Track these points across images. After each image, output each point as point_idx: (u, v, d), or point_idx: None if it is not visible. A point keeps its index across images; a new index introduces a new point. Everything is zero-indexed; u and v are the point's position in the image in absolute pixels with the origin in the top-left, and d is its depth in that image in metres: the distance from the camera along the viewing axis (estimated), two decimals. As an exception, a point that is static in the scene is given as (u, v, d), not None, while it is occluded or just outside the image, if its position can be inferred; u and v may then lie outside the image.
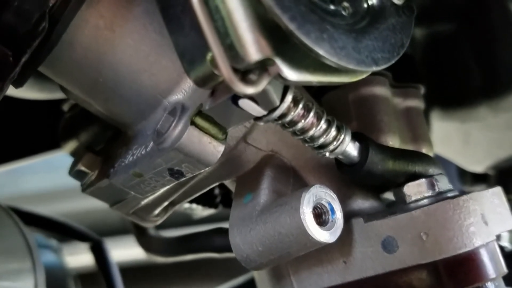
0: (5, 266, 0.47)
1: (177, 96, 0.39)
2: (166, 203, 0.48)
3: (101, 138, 0.53)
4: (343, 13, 0.31)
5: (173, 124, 0.35)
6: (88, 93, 0.42)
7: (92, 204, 0.59)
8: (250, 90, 0.27)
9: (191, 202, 0.60)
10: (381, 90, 0.48)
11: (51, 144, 0.67)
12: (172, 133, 0.35)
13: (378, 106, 0.47)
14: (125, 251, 1.13)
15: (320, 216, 0.37)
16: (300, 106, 0.34)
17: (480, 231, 0.36)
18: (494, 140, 0.58)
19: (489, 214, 0.38)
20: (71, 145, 0.56)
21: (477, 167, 0.66)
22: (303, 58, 0.28)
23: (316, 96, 0.48)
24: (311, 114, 0.34)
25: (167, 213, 0.50)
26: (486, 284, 0.36)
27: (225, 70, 0.27)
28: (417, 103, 0.51)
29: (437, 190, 0.38)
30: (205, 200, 0.60)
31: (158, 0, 0.31)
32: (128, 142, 0.44)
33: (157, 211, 0.49)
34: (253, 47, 0.27)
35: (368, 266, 0.38)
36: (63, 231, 0.79)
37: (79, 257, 0.88)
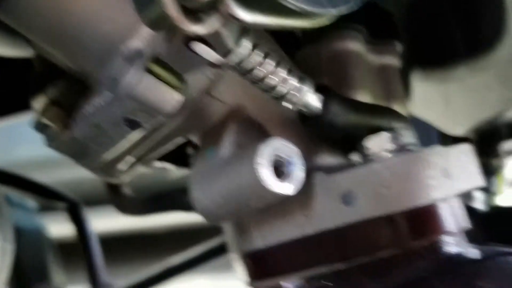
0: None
1: (136, 43, 0.37)
2: (131, 158, 0.47)
3: (69, 93, 0.52)
4: None
5: (129, 72, 0.34)
6: (49, 42, 0.41)
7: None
8: (199, 29, 0.26)
9: (163, 162, 0.60)
10: (355, 46, 0.46)
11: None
12: (127, 81, 0.34)
13: (350, 61, 0.45)
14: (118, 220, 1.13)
15: (279, 169, 0.36)
16: (259, 52, 0.32)
17: (440, 185, 0.36)
18: (473, 101, 0.57)
19: (453, 170, 0.37)
20: (40, 101, 0.55)
21: (458, 130, 0.66)
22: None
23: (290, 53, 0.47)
24: (271, 61, 0.33)
25: (133, 169, 0.49)
26: (446, 237, 0.36)
27: (171, 8, 0.25)
28: (393, 61, 0.50)
29: (399, 144, 0.37)
30: (178, 159, 0.60)
31: None
32: (89, 93, 0.43)
33: (124, 166, 0.48)
34: None
35: (328, 218, 0.38)
36: (39, 192, 0.79)
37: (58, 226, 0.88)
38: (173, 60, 0.33)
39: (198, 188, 0.39)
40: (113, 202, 0.66)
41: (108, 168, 0.48)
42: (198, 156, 0.42)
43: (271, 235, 0.41)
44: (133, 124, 0.37)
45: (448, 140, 0.70)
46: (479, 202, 0.62)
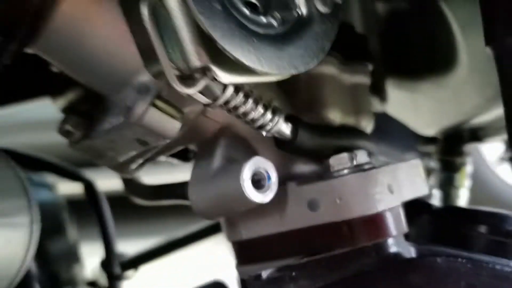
0: (2, 205, 0.51)
1: (144, 77, 0.46)
2: (141, 160, 0.57)
3: (86, 100, 0.60)
4: (274, 23, 0.38)
5: (139, 103, 0.43)
6: (67, 69, 0.50)
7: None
8: (191, 90, 0.35)
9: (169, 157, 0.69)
10: (329, 69, 0.55)
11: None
12: (138, 111, 0.43)
13: (324, 83, 0.54)
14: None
15: (259, 181, 0.45)
16: (241, 94, 0.41)
17: (385, 198, 0.45)
18: (437, 111, 0.66)
19: (398, 183, 0.47)
20: (60, 102, 0.64)
21: (427, 131, 0.74)
22: (234, 64, 0.36)
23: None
24: (250, 101, 0.42)
25: (143, 166, 0.59)
26: (388, 239, 0.45)
27: (169, 76, 0.34)
28: (363, 80, 0.58)
29: (355, 163, 0.46)
30: (180, 155, 0.69)
31: (121, 5, 0.38)
32: (106, 109, 0.51)
33: (134, 166, 0.58)
34: (194, 56, 0.34)
35: (297, 220, 0.47)
36: (57, 171, 0.88)
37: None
38: (173, 98, 0.42)
39: (193, 192, 0.49)
40: (126, 189, 0.76)
41: (121, 167, 0.58)
42: (194, 164, 0.51)
43: (253, 229, 0.51)
44: (142, 142, 0.46)
45: (420, 137, 0.79)
46: (436, 199, 0.71)
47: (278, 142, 0.47)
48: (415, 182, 0.50)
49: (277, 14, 0.38)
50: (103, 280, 0.94)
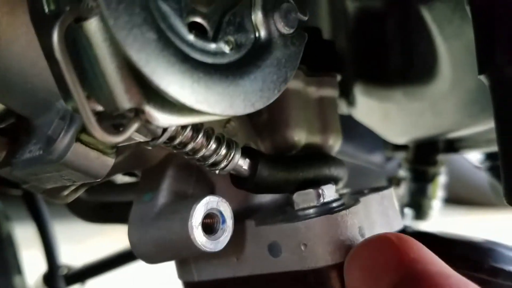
0: None
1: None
2: (74, 187, 0.49)
3: (9, 115, 0.52)
4: (226, 49, 0.30)
5: (62, 135, 0.35)
6: None
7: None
8: (115, 139, 0.27)
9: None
10: (293, 84, 0.47)
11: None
12: (59, 146, 0.35)
13: (287, 100, 0.47)
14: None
15: (211, 225, 0.38)
16: (188, 129, 0.34)
17: (355, 244, 0.39)
18: (409, 122, 0.60)
19: (370, 222, 0.41)
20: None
21: (396, 140, 0.69)
22: (175, 104, 0.28)
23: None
24: (200, 135, 0.35)
25: (78, 192, 0.51)
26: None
27: (87, 120, 0.26)
28: (331, 92, 0.51)
29: (322, 200, 0.39)
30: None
31: (33, 26, 0.30)
32: (29, 132, 0.43)
33: (66, 193, 0.49)
34: (123, 96, 0.27)
35: (256, 265, 0.41)
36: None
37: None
38: (104, 130, 0.34)
39: (134, 232, 0.41)
40: (68, 206, 0.68)
41: (51, 194, 0.50)
42: (136, 197, 0.44)
43: (207, 271, 0.44)
44: (68, 179, 0.38)
45: (389, 144, 0.74)
46: (409, 219, 0.66)
47: (235, 179, 0.40)
48: (388, 217, 0.44)
49: (231, 38, 0.30)
50: (46, 295, 0.86)
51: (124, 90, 0.26)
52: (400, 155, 0.73)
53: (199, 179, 0.43)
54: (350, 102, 0.66)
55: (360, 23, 0.58)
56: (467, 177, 2.52)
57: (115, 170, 0.46)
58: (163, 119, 0.28)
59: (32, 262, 0.93)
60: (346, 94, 0.65)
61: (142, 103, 0.27)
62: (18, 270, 0.89)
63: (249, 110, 0.30)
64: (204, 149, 0.35)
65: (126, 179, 0.65)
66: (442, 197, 0.71)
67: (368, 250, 0.35)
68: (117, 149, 0.36)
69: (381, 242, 0.35)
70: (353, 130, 0.77)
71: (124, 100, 0.27)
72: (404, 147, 0.72)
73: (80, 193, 0.52)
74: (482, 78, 0.34)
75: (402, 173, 0.72)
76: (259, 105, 0.31)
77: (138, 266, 0.91)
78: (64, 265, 0.85)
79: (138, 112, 0.28)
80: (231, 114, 0.29)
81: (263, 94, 0.31)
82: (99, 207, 0.62)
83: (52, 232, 0.82)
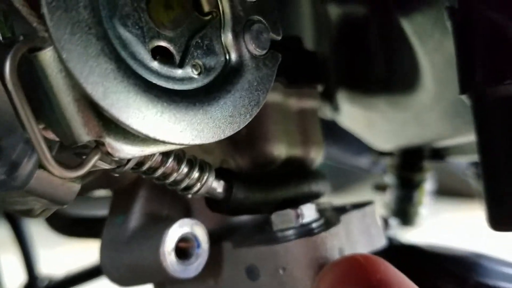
0: None
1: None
2: (45, 207, 0.47)
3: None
4: (194, 74, 0.28)
5: (25, 160, 0.33)
6: None
7: None
8: (73, 174, 0.25)
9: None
10: (272, 96, 0.46)
11: None
12: (23, 173, 0.33)
13: (266, 113, 0.45)
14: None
15: (185, 250, 0.37)
16: (157, 154, 0.32)
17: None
18: (393, 131, 0.59)
19: (351, 242, 0.39)
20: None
21: (381, 147, 0.67)
22: (137, 135, 0.26)
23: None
24: (171, 159, 0.33)
25: (51, 210, 0.49)
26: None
27: (42, 155, 0.25)
28: (312, 104, 0.50)
29: (300, 221, 0.38)
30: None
31: None
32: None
33: (37, 212, 0.48)
34: (81, 129, 0.25)
35: None
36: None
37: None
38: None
39: (105, 256, 0.40)
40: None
41: (22, 213, 0.48)
42: (108, 219, 0.42)
43: None
44: (35, 203, 0.36)
45: (375, 151, 0.73)
46: (395, 229, 0.65)
47: (210, 202, 0.38)
48: (370, 235, 0.43)
49: (199, 62, 0.28)
50: (28, 305, 0.84)
51: (82, 123, 0.25)
52: (386, 161, 0.72)
53: (174, 199, 0.42)
54: (334, 108, 0.65)
55: (343, 30, 0.56)
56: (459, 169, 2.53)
57: (84, 190, 0.44)
58: (125, 150, 0.27)
59: (9, 268, 0.91)
60: (330, 100, 0.63)
61: (102, 135, 0.25)
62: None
63: (219, 138, 0.28)
64: (175, 173, 0.34)
65: (103, 192, 0.64)
66: (429, 203, 0.71)
67: (335, 272, 0.35)
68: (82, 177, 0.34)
69: (349, 263, 0.34)
70: (339, 134, 0.76)
71: (82, 133, 0.25)
72: (390, 154, 0.70)
73: (52, 211, 0.50)
74: (464, 97, 0.33)
75: (388, 179, 0.71)
76: (229, 132, 0.29)
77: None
78: (45, 276, 0.83)
79: (98, 144, 0.26)
80: (198, 143, 0.28)
81: (234, 120, 0.29)
82: (75, 221, 0.60)
83: (29, 242, 0.80)
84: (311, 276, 0.36)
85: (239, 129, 0.30)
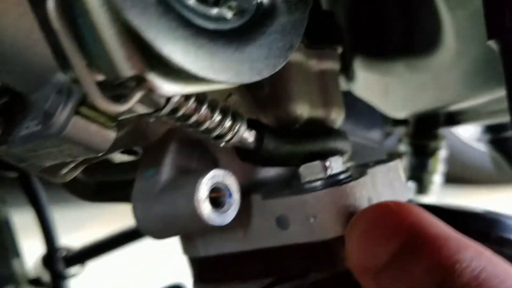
0: None
1: (65, 75, 0.37)
2: (73, 164, 0.48)
3: (4, 90, 0.50)
4: (228, 15, 0.29)
5: (60, 109, 0.34)
6: None
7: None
8: (118, 108, 0.26)
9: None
10: (294, 56, 0.46)
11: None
12: (58, 120, 0.34)
13: (289, 73, 0.46)
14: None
15: (217, 199, 0.38)
16: (192, 100, 0.33)
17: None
18: (410, 96, 0.59)
19: (377, 193, 0.40)
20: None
21: (397, 115, 0.68)
22: (179, 72, 0.27)
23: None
24: (204, 107, 0.34)
25: (77, 170, 0.50)
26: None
27: (88, 90, 0.25)
28: (332, 65, 0.50)
29: (329, 173, 0.39)
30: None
31: None
32: (25, 108, 0.42)
33: (64, 171, 0.48)
34: (124, 63, 0.26)
35: (264, 238, 0.40)
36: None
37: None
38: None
39: (138, 209, 0.41)
40: (64, 185, 0.66)
41: (49, 173, 0.49)
42: (139, 173, 0.43)
43: (213, 246, 0.44)
44: (69, 155, 0.37)
45: (389, 119, 0.73)
46: (412, 192, 0.66)
47: (240, 152, 0.39)
48: (395, 188, 0.43)
49: (233, 3, 0.29)
50: (47, 277, 0.85)
51: (125, 57, 0.25)
52: (400, 130, 0.73)
53: (202, 154, 0.43)
54: (349, 77, 0.65)
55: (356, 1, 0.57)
56: (457, 155, 2.53)
57: (115, 146, 0.45)
58: (167, 87, 0.27)
59: (30, 252, 0.92)
60: (345, 68, 0.64)
61: (144, 71, 0.26)
62: (16, 253, 0.88)
63: (256, 78, 0.29)
64: (208, 121, 0.34)
65: (125, 157, 0.64)
66: (443, 171, 0.71)
67: (367, 218, 0.35)
68: (118, 123, 0.35)
69: (380, 209, 0.35)
70: (350, 108, 0.76)
71: (126, 67, 0.25)
72: (404, 122, 0.71)
73: (79, 171, 0.51)
74: (491, 43, 0.33)
75: (403, 148, 0.72)
76: (266, 73, 0.30)
77: (139, 247, 0.91)
78: (63, 247, 0.84)
79: (140, 81, 0.27)
80: (237, 82, 0.28)
81: (269, 62, 0.30)
82: (97, 186, 0.61)
83: (49, 213, 0.81)
84: (342, 224, 0.37)
85: (275, 71, 0.30)
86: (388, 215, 0.34)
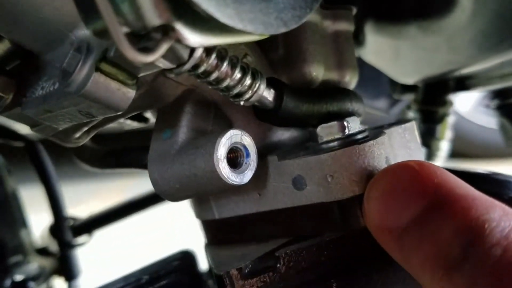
0: None
1: (84, 32, 0.36)
2: (87, 128, 0.47)
3: (15, 54, 0.49)
4: None
5: (79, 66, 0.34)
6: None
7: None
8: (146, 58, 0.26)
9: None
10: (310, 16, 0.46)
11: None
12: (77, 78, 0.33)
13: (305, 33, 0.45)
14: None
15: (235, 159, 0.38)
16: (213, 56, 0.32)
17: (382, 174, 0.38)
18: (422, 59, 0.59)
19: (395, 155, 0.40)
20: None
21: (406, 80, 0.68)
22: (206, 22, 0.27)
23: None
24: (225, 63, 0.33)
25: (89, 134, 0.50)
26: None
27: (116, 38, 0.25)
28: (347, 26, 0.50)
29: (347, 132, 0.39)
30: (135, 115, 0.60)
31: None
32: (39, 69, 0.41)
33: (77, 135, 0.48)
34: (152, 12, 0.25)
35: (279, 199, 0.40)
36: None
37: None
38: (124, 61, 0.33)
39: (154, 170, 0.40)
40: (74, 150, 0.66)
41: (62, 136, 0.48)
42: (154, 135, 0.43)
43: (228, 208, 0.44)
44: (86, 114, 0.37)
45: (397, 85, 0.73)
46: (424, 155, 0.66)
47: (259, 112, 0.39)
48: (410, 149, 0.43)
49: None
50: (54, 246, 0.86)
51: (152, 4, 0.25)
52: (409, 97, 0.72)
53: (217, 115, 0.42)
54: (360, 41, 0.65)
55: None
56: (456, 130, 2.53)
57: (131, 108, 0.45)
58: (193, 38, 0.27)
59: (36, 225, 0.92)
60: (356, 33, 0.63)
61: (172, 20, 0.26)
62: (23, 223, 0.89)
63: (282, 29, 0.29)
64: (228, 79, 0.34)
65: (135, 124, 0.64)
66: (451, 137, 0.71)
67: (389, 177, 0.34)
68: (137, 81, 0.34)
69: (402, 169, 0.34)
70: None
71: (153, 16, 0.25)
72: (413, 89, 0.71)
73: (91, 135, 0.51)
74: None
75: (411, 114, 0.72)
76: (292, 24, 0.29)
77: (146, 216, 0.92)
78: (70, 217, 0.85)
79: (167, 31, 0.26)
80: (264, 33, 0.28)
81: (295, 13, 0.29)
82: (105, 154, 0.61)
83: (57, 183, 0.81)
84: (359, 183, 0.37)
85: (301, 22, 0.30)
86: (412, 175, 0.33)
